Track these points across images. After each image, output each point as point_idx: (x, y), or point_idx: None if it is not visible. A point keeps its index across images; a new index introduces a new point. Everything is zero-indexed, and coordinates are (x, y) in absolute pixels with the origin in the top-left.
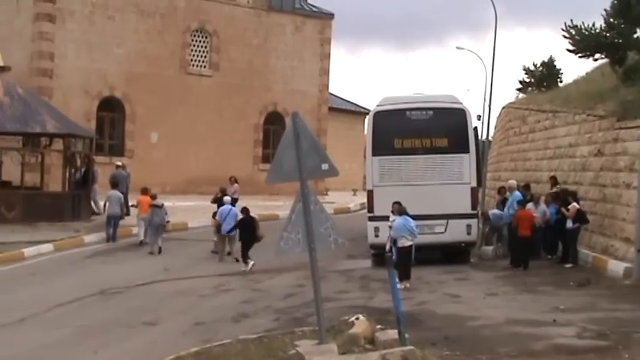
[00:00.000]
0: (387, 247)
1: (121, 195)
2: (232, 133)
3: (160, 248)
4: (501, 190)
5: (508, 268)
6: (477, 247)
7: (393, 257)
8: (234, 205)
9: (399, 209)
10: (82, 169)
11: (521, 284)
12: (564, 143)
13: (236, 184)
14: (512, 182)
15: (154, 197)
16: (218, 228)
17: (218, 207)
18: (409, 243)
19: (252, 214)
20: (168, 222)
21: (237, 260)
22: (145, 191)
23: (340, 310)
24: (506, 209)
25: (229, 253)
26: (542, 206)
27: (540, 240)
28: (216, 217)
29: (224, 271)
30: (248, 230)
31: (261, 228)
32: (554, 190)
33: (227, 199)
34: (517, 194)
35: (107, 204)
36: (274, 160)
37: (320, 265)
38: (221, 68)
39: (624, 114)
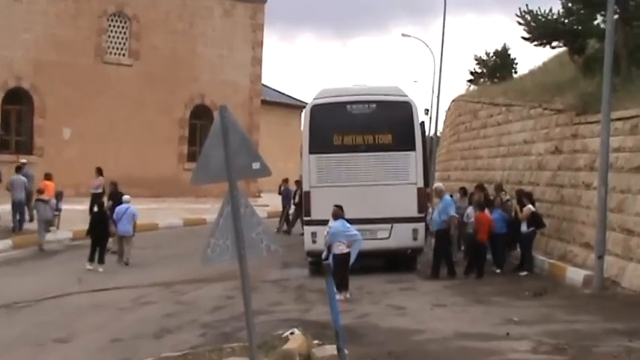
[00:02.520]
0: (324, 255)
1: (25, 180)
2: (155, 129)
3: (41, 247)
4: (475, 192)
5: (458, 276)
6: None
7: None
8: (114, 203)
9: (336, 212)
10: None
11: (472, 294)
12: (519, 140)
13: (100, 177)
14: (440, 185)
15: (114, 196)
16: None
17: (113, 204)
18: (347, 250)
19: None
20: (56, 215)
21: (127, 264)
22: (48, 177)
23: (273, 324)
24: (436, 214)
25: (114, 252)
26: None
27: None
28: (113, 217)
29: (144, 282)
30: (102, 226)
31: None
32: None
33: (126, 197)
34: (448, 199)
35: (11, 190)
36: (200, 159)
37: (251, 275)
38: (142, 56)
39: (584, 108)
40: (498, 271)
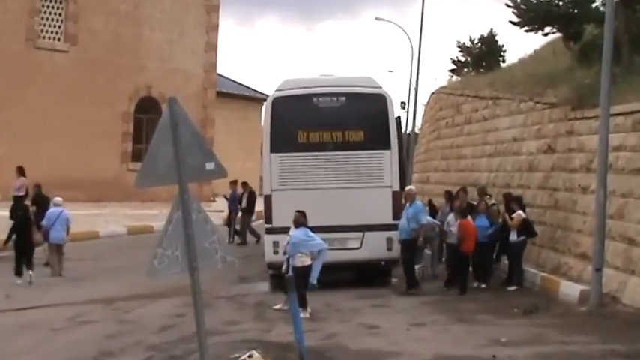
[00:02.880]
0: (283, 268)
1: None
2: (95, 124)
3: None
4: (459, 195)
5: (438, 291)
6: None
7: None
8: (40, 209)
9: (297, 220)
10: None
11: (454, 312)
12: (507, 137)
13: (22, 178)
14: (412, 188)
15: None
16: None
17: (38, 209)
18: (308, 262)
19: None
20: None
21: (61, 275)
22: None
23: (229, 346)
24: (404, 221)
25: (47, 263)
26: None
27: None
28: (43, 223)
29: (82, 298)
30: (24, 233)
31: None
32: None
33: (58, 200)
34: (420, 205)
35: None
36: (146, 158)
37: (204, 290)
38: (80, 41)
39: (580, 101)
40: (484, 285)
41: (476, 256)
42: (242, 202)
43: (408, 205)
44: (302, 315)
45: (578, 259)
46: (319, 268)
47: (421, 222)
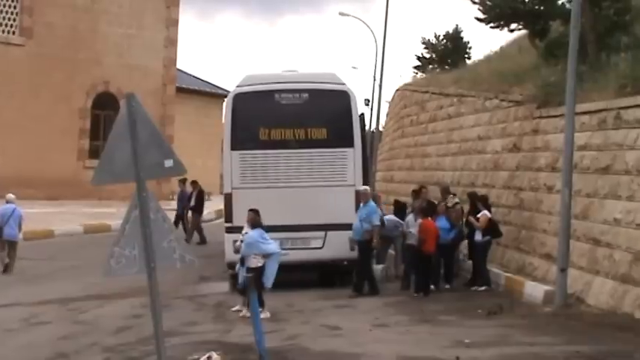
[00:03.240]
0: (237, 268)
1: None
2: (50, 120)
3: None
4: (422, 193)
5: (402, 292)
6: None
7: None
8: None
9: (253, 220)
10: None
11: (418, 313)
12: (472, 135)
13: None
14: (366, 189)
15: None
16: None
17: None
18: (261, 263)
19: None
20: None
21: (6, 271)
22: None
23: (188, 347)
24: (357, 223)
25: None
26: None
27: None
28: None
29: (36, 298)
30: None
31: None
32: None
33: (10, 196)
34: (373, 205)
35: None
36: (103, 155)
37: (162, 290)
38: (35, 35)
39: (546, 99)
40: (447, 286)
41: (438, 257)
42: (191, 200)
43: (362, 205)
44: (262, 316)
45: (543, 260)
46: (274, 272)
47: (374, 223)
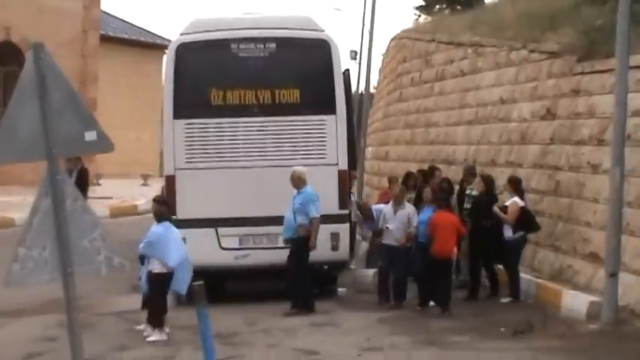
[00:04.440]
0: (140, 271)
1: None
2: None
3: None
4: (434, 175)
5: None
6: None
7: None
8: None
9: (157, 211)
10: None
11: (421, 332)
12: (493, 98)
13: None
14: (300, 169)
15: None
16: None
17: None
18: (165, 269)
19: None
20: None
21: None
22: None
23: None
24: (289, 215)
25: None
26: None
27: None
28: None
29: None
30: None
31: None
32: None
33: None
34: (310, 192)
35: None
36: (3, 126)
37: (84, 304)
38: None
39: (590, 49)
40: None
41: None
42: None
43: (295, 192)
44: (154, 337)
45: (586, 261)
46: (189, 274)
47: (312, 215)
